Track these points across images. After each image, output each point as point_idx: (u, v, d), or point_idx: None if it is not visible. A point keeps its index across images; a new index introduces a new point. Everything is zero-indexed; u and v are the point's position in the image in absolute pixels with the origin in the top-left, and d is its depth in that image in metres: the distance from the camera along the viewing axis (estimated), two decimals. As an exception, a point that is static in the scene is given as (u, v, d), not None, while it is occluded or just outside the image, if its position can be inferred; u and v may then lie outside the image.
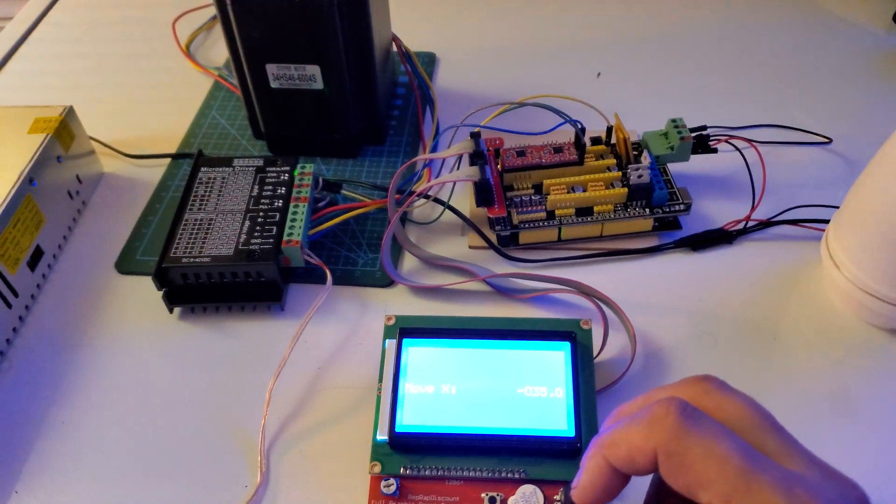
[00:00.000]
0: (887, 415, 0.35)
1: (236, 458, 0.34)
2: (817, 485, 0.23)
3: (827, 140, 0.48)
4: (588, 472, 0.26)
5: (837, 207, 0.40)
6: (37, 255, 0.41)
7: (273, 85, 0.45)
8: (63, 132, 0.44)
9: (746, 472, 0.22)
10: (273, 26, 0.42)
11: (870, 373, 0.36)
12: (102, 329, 0.40)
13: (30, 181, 0.40)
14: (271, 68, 0.44)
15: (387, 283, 0.42)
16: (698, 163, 0.45)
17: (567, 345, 0.34)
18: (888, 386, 0.36)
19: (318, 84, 0.44)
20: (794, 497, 0.22)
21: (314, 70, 0.44)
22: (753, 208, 0.43)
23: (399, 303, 0.41)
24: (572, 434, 0.32)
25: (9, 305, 0.39)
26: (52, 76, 0.58)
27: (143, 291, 0.41)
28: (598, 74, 0.56)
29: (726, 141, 0.45)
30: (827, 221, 0.41)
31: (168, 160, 0.50)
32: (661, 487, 0.28)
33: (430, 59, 0.58)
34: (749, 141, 0.45)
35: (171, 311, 0.40)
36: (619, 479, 0.26)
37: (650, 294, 0.40)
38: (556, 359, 0.34)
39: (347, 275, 0.42)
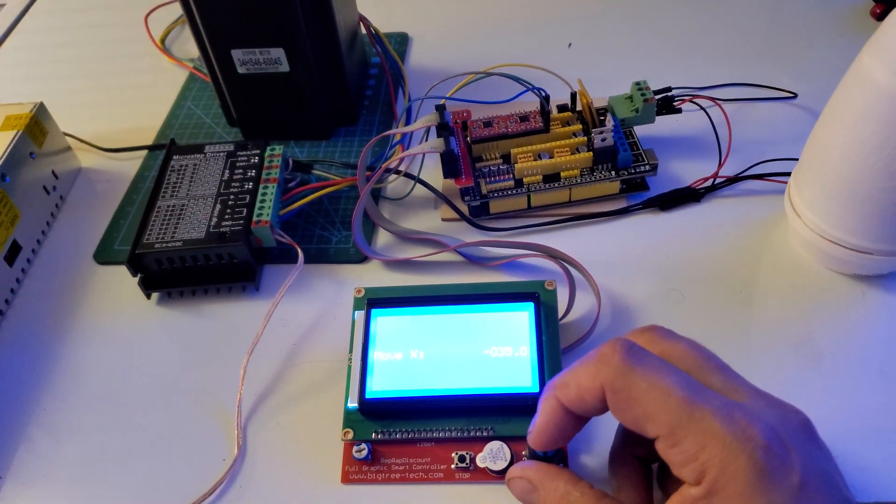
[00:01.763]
0: (849, 357, 0.35)
1: (214, 434, 0.35)
2: (758, 410, 0.24)
3: (792, 95, 0.49)
4: (542, 414, 0.27)
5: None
6: (14, 249, 0.42)
7: (240, 70, 0.46)
8: (34, 128, 0.45)
9: (688, 402, 0.23)
10: (234, 11, 0.42)
11: (833, 318, 0.37)
12: (83, 318, 0.41)
13: (2, 177, 0.41)
14: (237, 54, 0.45)
15: (360, 258, 0.42)
16: (666, 124, 0.46)
17: (530, 305, 0.35)
18: (850, 329, 0.36)
19: (285, 66, 0.45)
20: (734, 422, 0.23)
21: (279, 53, 0.44)
22: (720, 165, 0.43)
23: (373, 277, 0.41)
24: (537, 389, 0.32)
25: (-9, 299, 0.40)
26: (26, 76, 0.59)
27: (122, 280, 0.42)
28: (570, 45, 0.56)
29: (690, 100, 0.45)
30: (789, 174, 0.41)
31: (145, 152, 0.50)
32: (624, 434, 0.29)
33: (402, 39, 0.58)
34: (713, 99, 0.45)
35: (148, 296, 0.41)
36: (572, 420, 0.26)
37: (620, 255, 0.41)
38: (520, 319, 0.34)
39: (321, 253, 0.43)
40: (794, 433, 0.24)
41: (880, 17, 0.55)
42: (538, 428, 0.27)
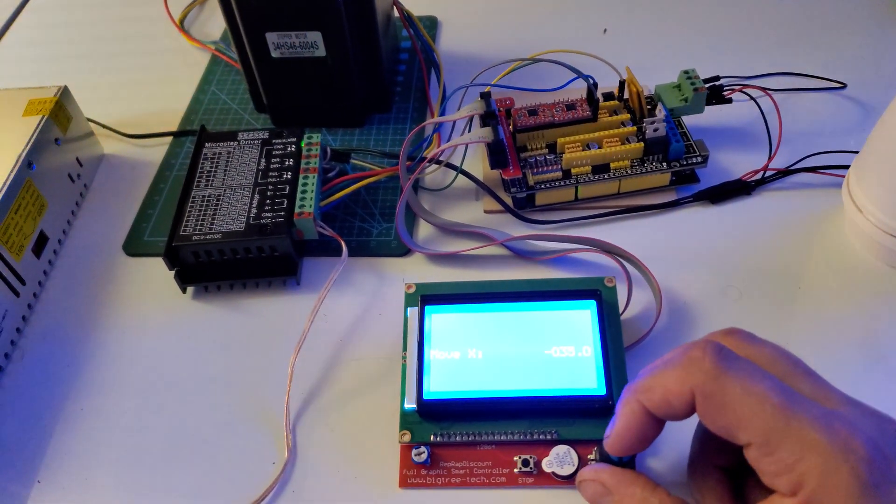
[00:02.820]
0: (919, 357, 0.34)
1: (261, 436, 0.34)
2: (856, 420, 0.23)
3: (841, 85, 0.47)
4: (622, 418, 0.26)
5: (855, 153, 0.39)
6: (41, 240, 0.40)
7: (274, 55, 0.44)
8: (59, 113, 0.43)
9: (785, 409, 0.22)
10: (271, -8, 0.41)
11: (895, 315, 0.36)
12: (115, 313, 0.39)
13: (28, 165, 0.39)
14: (271, 37, 0.43)
15: (403, 251, 0.41)
16: (713, 114, 0.44)
17: (592, 303, 0.33)
18: (917, 329, 0.36)
19: (321, 51, 0.43)
20: (834, 433, 0.22)
21: (315, 37, 0.43)
22: (771, 157, 0.42)
23: (417, 271, 0.40)
24: (603, 392, 0.31)
25: (16, 294, 0.38)
26: (42, 59, 0.57)
27: (154, 272, 0.40)
28: (605, 31, 0.54)
29: (740, 90, 0.44)
30: (845, 167, 0.40)
31: (170, 139, 0.48)
32: (705, 443, 0.28)
33: (431, 23, 0.56)
34: (763, 89, 0.44)
35: (184, 290, 0.39)
36: (654, 424, 0.25)
37: (671, 249, 0.40)
38: (582, 318, 0.33)
39: (362, 245, 0.41)
40: (893, 443, 0.23)
41: (923, 5, 0.53)
42: (618, 433, 0.26)
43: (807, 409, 0.23)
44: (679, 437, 0.29)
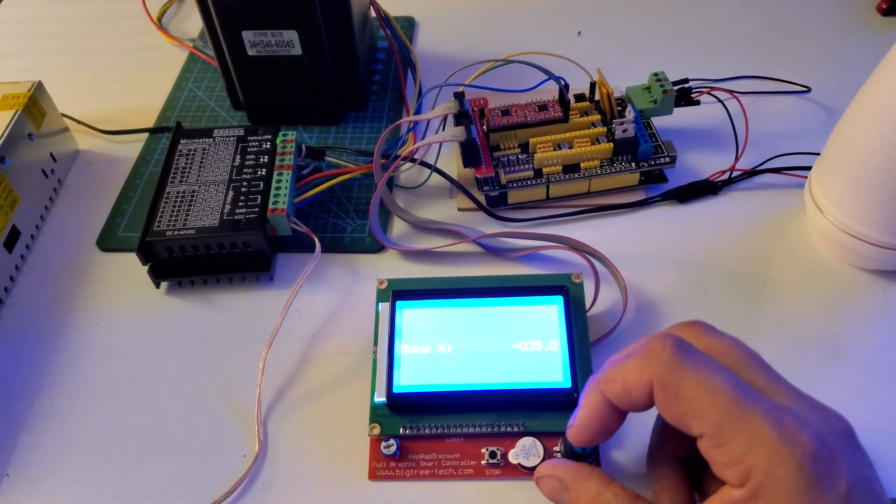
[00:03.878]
0: (873, 354, 0.35)
1: (233, 430, 0.34)
2: (804, 415, 0.23)
3: (806, 89, 0.49)
4: (585, 409, 0.26)
5: (818, 154, 0.41)
6: (13, 235, 0.40)
7: (250, 53, 0.44)
8: (33, 108, 0.43)
9: (737, 402, 0.23)
10: (247, -9, 0.41)
11: (855, 313, 0.37)
12: (88, 308, 0.39)
13: (1, 159, 0.39)
14: (248, 35, 0.43)
15: (377, 248, 0.41)
16: (682, 116, 0.45)
17: (560, 298, 0.34)
18: (873, 325, 0.37)
19: (297, 49, 0.44)
20: (783, 427, 0.22)
21: (292, 35, 0.43)
22: (737, 158, 0.43)
23: (390, 268, 0.41)
24: (569, 385, 0.32)
25: (-10, 287, 0.38)
26: (18, 54, 0.57)
27: (128, 268, 0.41)
28: (579, 33, 0.55)
29: (708, 93, 0.45)
30: (808, 168, 0.42)
31: (146, 135, 0.49)
32: (664, 434, 0.28)
33: (409, 23, 0.57)
34: (731, 92, 0.45)
35: (157, 285, 0.40)
36: (616, 415, 0.26)
37: (639, 247, 0.41)
38: (549, 313, 0.34)
39: (336, 242, 0.42)
40: (839, 440, 0.24)
41: (886, 12, 0.55)
42: (580, 423, 0.27)
43: (758, 403, 0.23)
44: (643, 430, 0.30)
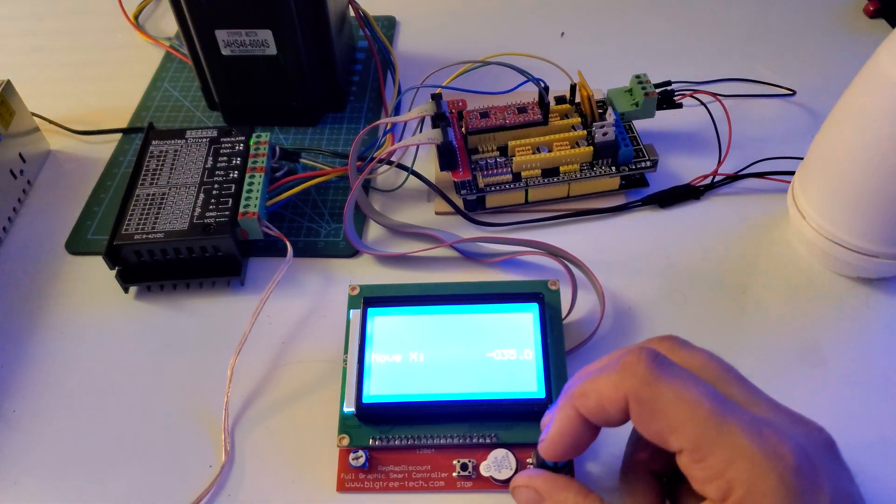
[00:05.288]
0: (855, 362, 0.35)
1: (199, 439, 0.33)
2: (785, 427, 0.23)
3: (791, 92, 0.48)
4: (557, 424, 0.26)
5: (801, 159, 0.40)
6: (-20, 237, 0.39)
7: (224, 52, 0.43)
8: (1, 108, 0.42)
9: (716, 415, 0.22)
10: (220, -11, 0.40)
11: (837, 321, 0.36)
12: (54, 312, 0.38)
13: (-33, 160, 0.38)
14: (221, 34, 0.42)
15: (351, 252, 0.40)
16: (664, 119, 0.45)
17: (535, 306, 0.33)
18: (855, 334, 0.36)
19: (272, 49, 0.43)
20: (764, 439, 0.22)
21: (266, 35, 0.42)
22: (720, 163, 0.43)
23: (364, 273, 0.40)
24: (543, 395, 0.31)
25: (-47, 292, 0.37)
26: (-9, 52, 0.55)
27: (97, 272, 0.40)
28: (562, 34, 0.54)
29: (691, 95, 0.44)
30: (791, 173, 0.41)
31: (119, 135, 0.48)
32: (638, 447, 0.28)
33: (389, 23, 0.56)
34: (714, 95, 0.44)
35: (126, 290, 0.39)
36: (589, 430, 0.25)
37: (619, 253, 0.40)
38: (524, 321, 0.33)
39: (310, 246, 0.41)
40: (821, 453, 0.23)
41: (874, 14, 0.54)
42: (552, 438, 0.26)
43: (738, 415, 0.23)
44: (618, 443, 0.29)
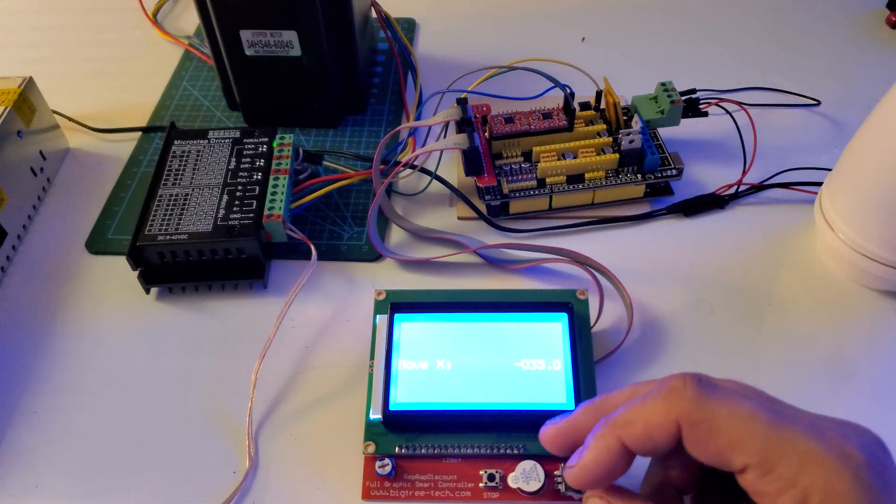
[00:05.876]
0: (883, 376, 0.34)
1: (223, 444, 0.33)
2: (841, 428, 0.22)
3: (816, 102, 0.48)
4: (594, 452, 0.25)
5: (828, 170, 0.40)
6: None
7: (248, 52, 0.43)
8: (23, 105, 0.41)
9: (775, 424, 0.22)
10: (246, -11, 0.40)
11: (865, 335, 0.36)
12: (75, 312, 0.38)
13: (-11, 157, 0.38)
14: (246, 35, 0.42)
15: (374, 257, 0.40)
16: (688, 127, 0.44)
17: (564, 316, 0.33)
18: (883, 347, 0.36)
19: (296, 50, 0.42)
20: (828, 441, 0.21)
21: (291, 36, 0.42)
22: (745, 172, 0.42)
23: (387, 277, 0.39)
24: (572, 407, 0.31)
25: (-27, 290, 0.37)
26: (9, 48, 0.55)
27: (117, 272, 0.39)
28: (583, 39, 0.54)
29: (716, 104, 0.44)
30: (818, 184, 0.41)
31: (138, 134, 0.47)
32: (664, 468, 0.27)
33: (409, 25, 0.56)
34: (739, 104, 0.44)
35: (147, 291, 0.38)
36: (626, 460, 0.25)
37: (644, 261, 0.40)
38: (553, 330, 0.33)
39: (332, 249, 0.40)
40: (880, 449, 0.23)
41: (895, 25, 0.54)
42: (585, 466, 0.25)
43: (796, 421, 0.22)
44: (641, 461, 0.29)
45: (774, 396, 0.25)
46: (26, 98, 0.42)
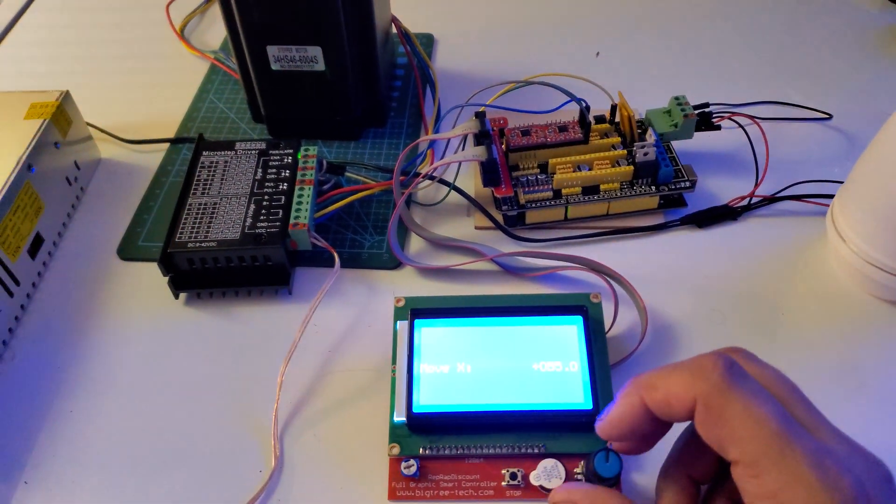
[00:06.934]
0: (893, 386, 0.35)
1: (249, 444, 0.34)
2: (846, 459, 0.23)
3: (827, 116, 0.49)
4: (619, 406, 0.26)
5: (839, 182, 0.41)
6: (37, 242, 0.40)
7: (274, 67, 0.44)
8: (60, 117, 0.43)
9: (781, 437, 0.22)
10: (274, 8, 0.41)
11: (876, 346, 0.37)
12: (106, 316, 0.40)
13: (28, 167, 0.40)
14: (272, 50, 0.43)
15: (394, 265, 0.41)
16: (701, 140, 0.45)
17: (579, 318, 0.34)
18: (894, 357, 0.36)
19: (320, 65, 0.44)
20: (824, 470, 0.22)
21: (316, 51, 0.43)
22: (757, 184, 0.43)
23: (407, 284, 0.41)
24: (590, 406, 0.32)
25: (10, 294, 0.38)
26: (43, 62, 0.57)
27: (147, 278, 0.41)
28: (597, 54, 0.55)
29: (729, 118, 0.45)
30: (829, 196, 0.42)
31: (167, 145, 0.49)
32: (682, 456, 0.28)
33: (427, 41, 0.57)
34: (752, 118, 0.45)
35: (176, 296, 0.40)
36: (647, 421, 0.26)
37: (657, 271, 0.41)
38: (569, 333, 0.34)
39: (354, 257, 0.42)
40: (879, 487, 0.23)
41: (906, 40, 0.55)
42: (610, 419, 0.27)
43: (803, 441, 0.23)
44: (661, 456, 0.30)
45: (807, 398, 0.25)
46: (63, 111, 0.44)
